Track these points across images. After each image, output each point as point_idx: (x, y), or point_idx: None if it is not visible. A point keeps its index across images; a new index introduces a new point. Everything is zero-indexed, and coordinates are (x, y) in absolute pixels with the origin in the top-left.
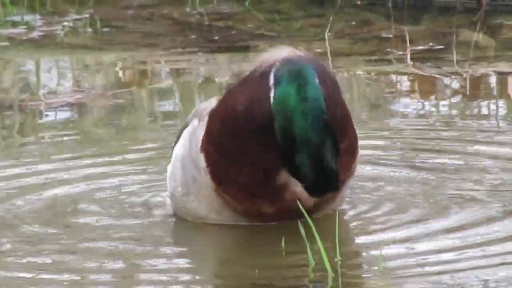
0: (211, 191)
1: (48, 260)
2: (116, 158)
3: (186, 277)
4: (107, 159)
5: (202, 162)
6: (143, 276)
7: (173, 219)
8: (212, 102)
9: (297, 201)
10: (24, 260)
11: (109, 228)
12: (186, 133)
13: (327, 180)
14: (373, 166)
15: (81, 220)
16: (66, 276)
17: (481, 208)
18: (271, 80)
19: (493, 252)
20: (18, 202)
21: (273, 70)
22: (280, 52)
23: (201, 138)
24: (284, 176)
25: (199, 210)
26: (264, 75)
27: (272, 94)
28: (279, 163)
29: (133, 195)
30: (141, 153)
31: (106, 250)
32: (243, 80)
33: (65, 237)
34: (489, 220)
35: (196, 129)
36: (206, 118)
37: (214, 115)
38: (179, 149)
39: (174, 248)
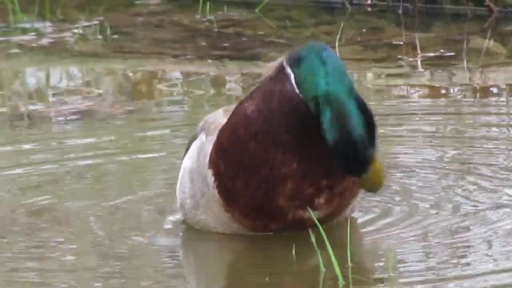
0: (219, 206)
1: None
2: (125, 164)
3: (196, 284)
4: (116, 166)
5: (210, 177)
6: (150, 281)
7: (184, 226)
8: (219, 114)
9: (309, 210)
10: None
11: (117, 232)
12: (194, 146)
13: (354, 155)
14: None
15: (89, 225)
16: (69, 275)
17: (492, 215)
18: (287, 69)
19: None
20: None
21: (284, 62)
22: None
23: (209, 153)
24: (291, 185)
25: (208, 222)
26: (275, 75)
27: (293, 77)
28: (289, 169)
29: (144, 202)
30: (150, 161)
31: (114, 252)
32: (251, 93)
33: (73, 238)
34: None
35: (204, 144)
36: (214, 133)
37: (223, 129)
38: (187, 162)
39: (184, 255)
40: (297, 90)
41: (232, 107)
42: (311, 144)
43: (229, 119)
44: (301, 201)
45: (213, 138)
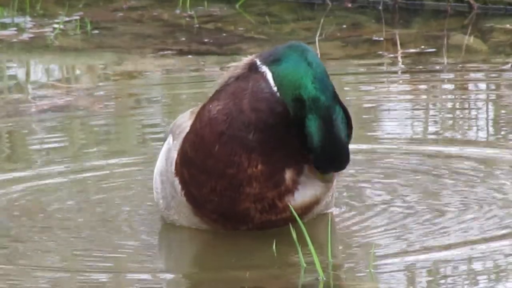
0: (188, 210)
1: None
2: (101, 162)
3: (174, 281)
4: (94, 162)
5: (177, 184)
6: (129, 277)
7: (161, 222)
8: (186, 116)
9: (290, 205)
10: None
11: (98, 227)
12: (163, 149)
13: (338, 155)
14: (365, 168)
15: (69, 222)
16: (58, 274)
17: (478, 210)
18: (262, 68)
19: (485, 251)
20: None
21: (258, 61)
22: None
23: (174, 158)
24: (256, 188)
25: (181, 221)
26: (245, 74)
27: (270, 76)
28: (255, 170)
29: (124, 198)
30: (127, 157)
31: (96, 243)
32: (214, 95)
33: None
34: (478, 223)
35: (170, 149)
36: (179, 138)
37: (187, 135)
38: (158, 164)
39: (161, 252)
40: (274, 89)
41: (198, 107)
42: (279, 145)
43: (192, 125)
44: (264, 205)
45: (177, 144)
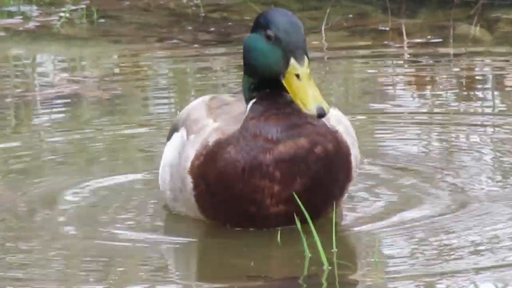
0: (196, 207)
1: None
2: (109, 154)
3: (180, 269)
4: (100, 144)
5: (188, 182)
6: (135, 264)
7: (166, 211)
8: (202, 111)
9: (302, 207)
10: None
11: (104, 217)
12: (175, 140)
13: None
14: (370, 160)
15: (77, 212)
16: (56, 268)
17: (475, 204)
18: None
19: (490, 249)
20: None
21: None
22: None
23: (190, 157)
24: (273, 211)
25: (187, 213)
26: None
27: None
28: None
29: (130, 188)
30: (134, 145)
31: (102, 237)
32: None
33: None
34: (483, 214)
35: (185, 144)
36: (199, 136)
37: (208, 169)
38: (168, 154)
39: (167, 241)
40: None
41: (215, 101)
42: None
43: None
44: (281, 218)
45: (195, 140)
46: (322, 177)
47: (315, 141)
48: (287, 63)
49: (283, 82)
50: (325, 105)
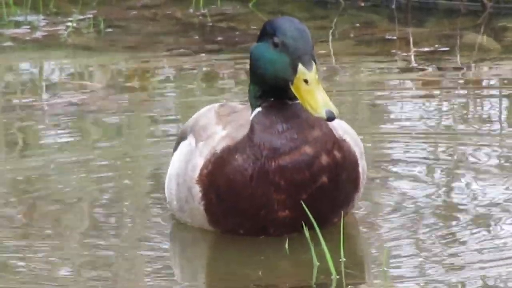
0: (203, 218)
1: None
2: (117, 161)
3: (187, 278)
4: (107, 162)
5: (196, 191)
6: (144, 273)
7: (173, 220)
8: (211, 117)
9: (309, 214)
10: None
11: (110, 225)
12: (183, 148)
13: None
14: (378, 169)
15: (81, 221)
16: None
17: (486, 214)
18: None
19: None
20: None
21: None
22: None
23: (198, 165)
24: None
25: (194, 224)
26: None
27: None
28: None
29: (136, 196)
30: (141, 154)
31: (103, 246)
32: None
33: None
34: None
35: (193, 152)
36: (207, 145)
37: (218, 171)
38: (175, 163)
39: (175, 250)
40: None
41: (224, 109)
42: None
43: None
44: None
45: (203, 148)
46: (328, 185)
47: (320, 149)
48: (295, 69)
49: (292, 88)
50: (334, 109)
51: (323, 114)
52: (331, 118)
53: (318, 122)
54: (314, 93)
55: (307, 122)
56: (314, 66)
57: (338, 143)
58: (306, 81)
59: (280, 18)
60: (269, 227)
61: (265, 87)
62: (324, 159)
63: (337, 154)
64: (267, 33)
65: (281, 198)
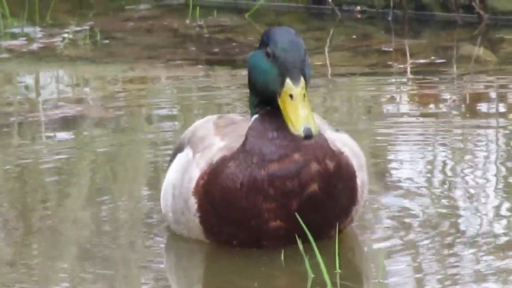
0: (199, 230)
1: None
2: (113, 170)
3: None
4: (102, 171)
5: (192, 204)
6: (141, 285)
7: (168, 232)
8: (209, 129)
9: (302, 224)
10: None
11: (106, 237)
12: (180, 160)
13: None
14: (373, 179)
15: (78, 232)
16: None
17: (479, 226)
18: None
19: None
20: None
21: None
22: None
23: (194, 177)
24: (279, 231)
25: (190, 235)
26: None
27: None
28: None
29: (134, 208)
30: (137, 164)
31: (101, 258)
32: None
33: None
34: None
35: (190, 163)
36: (204, 155)
37: (213, 182)
38: (171, 175)
39: (169, 261)
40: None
41: (223, 120)
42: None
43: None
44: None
45: (200, 160)
46: (320, 195)
47: (311, 157)
48: (282, 82)
49: (278, 100)
50: (313, 127)
51: (300, 132)
52: (308, 136)
53: None
54: (297, 109)
55: None
56: (302, 81)
57: (332, 153)
58: (291, 96)
59: (277, 28)
60: (262, 239)
61: (259, 96)
62: (314, 166)
63: (329, 163)
64: (263, 42)
65: (271, 206)
